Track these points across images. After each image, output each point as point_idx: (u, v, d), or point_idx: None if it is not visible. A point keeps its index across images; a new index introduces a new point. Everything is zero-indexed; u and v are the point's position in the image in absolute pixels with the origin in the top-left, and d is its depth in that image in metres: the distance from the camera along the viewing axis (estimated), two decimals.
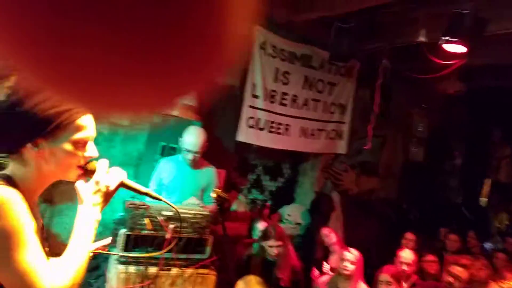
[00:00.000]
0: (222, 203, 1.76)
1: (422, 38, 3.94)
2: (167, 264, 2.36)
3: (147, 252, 2.33)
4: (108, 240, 1.40)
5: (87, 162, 1.13)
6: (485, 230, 6.40)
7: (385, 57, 4.69)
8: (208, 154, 3.41)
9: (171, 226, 2.37)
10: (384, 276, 2.92)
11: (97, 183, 1.13)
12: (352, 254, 3.10)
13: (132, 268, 2.31)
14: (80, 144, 1.08)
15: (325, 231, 3.99)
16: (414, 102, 5.96)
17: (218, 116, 4.20)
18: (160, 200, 1.35)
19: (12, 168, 1.05)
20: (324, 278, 3.30)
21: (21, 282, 0.93)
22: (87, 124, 1.08)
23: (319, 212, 4.92)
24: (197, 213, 2.51)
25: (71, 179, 1.13)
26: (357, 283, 3.07)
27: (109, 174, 1.16)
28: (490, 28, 3.33)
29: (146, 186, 2.96)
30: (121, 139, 3.72)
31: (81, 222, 1.10)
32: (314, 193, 5.18)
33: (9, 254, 0.92)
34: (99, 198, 1.13)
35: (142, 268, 2.30)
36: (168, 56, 0.29)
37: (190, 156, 2.91)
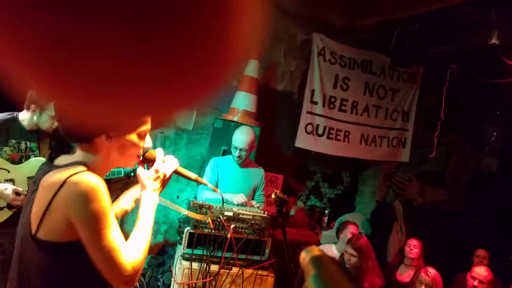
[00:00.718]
0: (281, 205, 1.80)
1: (495, 40, 3.70)
2: (228, 263, 2.45)
3: (209, 250, 2.44)
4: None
5: (144, 152, 1.27)
6: None
7: (452, 61, 4.46)
8: (266, 159, 3.48)
9: (232, 226, 2.46)
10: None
11: (156, 171, 1.27)
12: (428, 277, 2.97)
13: (195, 265, 2.43)
14: (142, 136, 1.22)
15: (414, 242, 3.72)
16: (486, 109, 5.57)
17: (277, 122, 4.28)
18: (207, 185, 1.48)
19: (81, 155, 1.19)
20: None
21: (107, 257, 1.07)
22: (148, 119, 1.21)
23: (380, 222, 4.77)
24: (256, 215, 2.58)
25: (130, 167, 1.29)
26: None
27: (165, 163, 1.30)
28: None
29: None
30: (185, 143, 3.93)
31: (145, 205, 1.24)
32: (375, 202, 5.03)
33: (102, 232, 1.06)
34: (158, 184, 1.27)
35: (204, 265, 2.42)
36: (190, 58, 0.30)
37: (236, 153, 2.99)
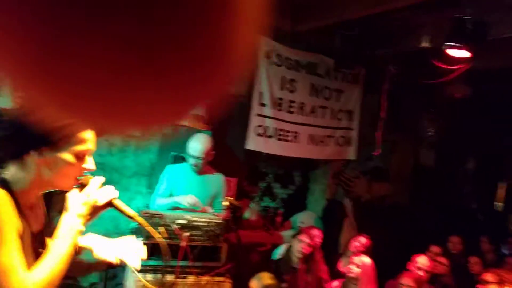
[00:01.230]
0: (235, 211, 1.81)
1: (425, 44, 3.98)
2: (183, 272, 2.41)
3: (164, 260, 2.38)
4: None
5: (84, 175, 1.19)
6: (501, 235, 6.32)
7: (391, 63, 4.73)
8: (219, 163, 3.47)
9: (186, 234, 2.43)
10: (406, 280, 2.94)
11: (87, 196, 1.18)
12: (359, 258, 3.13)
13: (149, 276, 2.36)
14: (80, 156, 1.14)
15: (363, 239, 3.82)
16: (422, 107, 5.97)
17: (228, 126, 4.28)
18: (145, 226, 1.37)
19: (11, 171, 1.11)
20: (335, 284, 3.32)
21: None
22: (88, 138, 1.14)
23: (331, 219, 4.93)
24: (210, 221, 2.56)
25: (67, 189, 1.19)
26: None
27: (100, 191, 1.22)
28: (493, 32, 3.36)
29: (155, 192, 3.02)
30: (134, 149, 3.81)
31: (62, 230, 1.14)
32: (326, 200, 5.19)
33: None
34: (85, 210, 1.18)
35: (159, 276, 2.36)
36: (178, 69, 0.29)
37: (193, 161, 2.96)
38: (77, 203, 1.17)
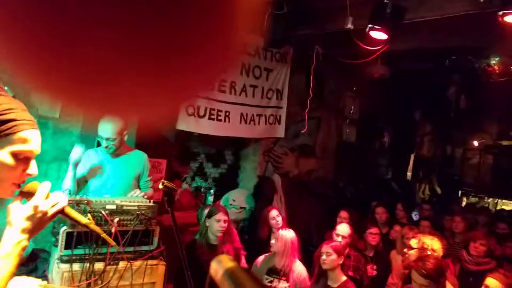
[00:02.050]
0: (170, 193, 1.76)
1: (349, 25, 4.16)
2: (114, 258, 2.32)
3: (92, 248, 2.26)
4: None
5: (26, 182, 1.04)
6: (411, 201, 7.04)
7: (317, 43, 4.88)
8: (148, 145, 3.35)
9: (116, 219, 2.32)
10: (325, 248, 3.13)
11: (34, 208, 1.03)
12: (280, 233, 3.28)
13: (76, 266, 2.23)
14: (20, 158, 0.99)
15: (273, 213, 4.03)
16: (345, 86, 6.30)
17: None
18: (100, 235, 1.25)
19: None
20: (261, 258, 3.44)
21: None
22: (31, 138, 0.99)
23: (262, 196, 5.07)
24: (142, 205, 2.48)
25: (5, 196, 1.02)
26: (293, 262, 3.23)
27: (48, 200, 1.06)
28: (409, 16, 3.62)
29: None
30: (52, 132, 3.51)
31: (6, 248, 0.99)
32: (257, 177, 5.31)
33: None
34: (31, 225, 1.02)
35: (87, 264, 2.24)
36: (176, 62, 0.31)
37: (105, 143, 2.81)
38: (21, 217, 1.01)
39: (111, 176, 2.90)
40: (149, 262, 2.45)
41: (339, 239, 3.59)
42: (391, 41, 3.84)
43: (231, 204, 4.67)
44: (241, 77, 4.71)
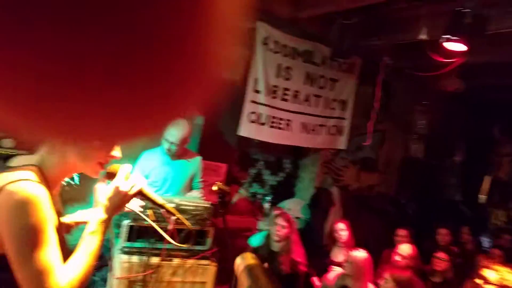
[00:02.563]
0: (223, 196, 1.81)
1: (423, 36, 3.96)
2: (169, 254, 2.42)
3: (150, 243, 2.39)
4: None
5: (110, 164, 1.14)
6: (482, 226, 6.46)
7: (387, 54, 4.71)
8: (210, 148, 3.47)
9: (173, 217, 2.43)
10: (387, 275, 2.94)
11: (116, 188, 1.13)
12: (353, 255, 3.11)
13: (135, 258, 2.37)
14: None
15: (339, 226, 3.87)
16: (415, 99, 5.99)
17: (221, 112, 4.25)
18: (175, 214, 1.35)
19: (39, 155, 1.09)
20: (332, 275, 3.33)
21: (34, 278, 0.96)
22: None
23: (318, 207, 4.98)
24: (198, 205, 2.57)
25: (91, 174, 1.13)
26: (367, 286, 3.06)
27: (128, 181, 1.16)
28: (491, 26, 3.35)
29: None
30: None
31: (93, 225, 1.11)
32: (314, 188, 5.23)
33: (31, 250, 0.95)
34: (114, 203, 1.13)
35: (144, 258, 2.37)
36: (168, 62, 0.28)
37: (166, 146, 2.95)
38: (105, 198, 1.13)
39: (169, 177, 3.05)
40: (201, 262, 2.52)
41: (398, 258, 3.40)
42: (468, 53, 3.59)
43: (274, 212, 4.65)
44: (305, 86, 4.69)
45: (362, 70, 5.09)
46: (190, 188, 3.10)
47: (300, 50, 4.58)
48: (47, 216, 0.98)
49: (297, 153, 5.24)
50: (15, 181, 0.97)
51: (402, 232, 4.06)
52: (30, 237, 0.96)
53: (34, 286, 0.96)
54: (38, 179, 1.03)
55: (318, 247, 4.10)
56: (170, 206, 1.29)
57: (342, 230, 3.86)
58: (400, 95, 5.67)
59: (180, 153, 3.05)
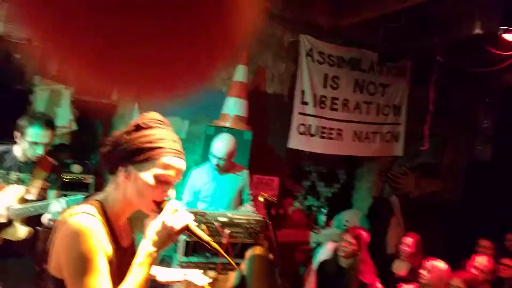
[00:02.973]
0: (269, 207, 1.83)
1: (478, 31, 3.74)
2: (224, 268, 2.47)
3: (205, 257, 2.46)
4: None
5: (163, 201, 1.19)
6: None
7: (439, 53, 4.50)
8: (261, 163, 3.51)
9: (227, 231, 2.48)
10: (455, 281, 2.76)
11: (162, 222, 1.17)
12: (431, 262, 2.92)
13: None
14: (161, 181, 1.14)
15: (407, 240, 3.59)
16: (476, 98, 5.61)
17: (269, 125, 4.30)
18: (219, 252, 1.31)
19: (107, 191, 1.20)
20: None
21: None
22: (173, 165, 1.15)
23: (378, 217, 4.79)
24: (251, 219, 2.60)
25: (146, 211, 1.21)
26: None
27: (175, 216, 1.19)
28: None
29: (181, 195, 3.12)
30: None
31: (140, 257, 1.16)
32: (372, 198, 5.05)
33: (81, 277, 1.05)
34: (161, 237, 1.17)
35: (201, 272, 2.43)
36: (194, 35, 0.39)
37: (214, 161, 3.01)
38: (153, 231, 1.17)
39: (218, 191, 3.12)
40: None
41: (475, 272, 3.15)
42: None
43: (344, 225, 4.53)
44: (354, 94, 4.61)
45: (414, 73, 4.89)
46: (239, 201, 3.15)
47: (346, 58, 4.53)
48: (97, 247, 1.07)
49: (351, 163, 5.11)
50: (76, 214, 1.10)
51: (485, 243, 3.76)
52: (81, 265, 1.05)
53: None
54: (98, 213, 1.13)
55: (379, 259, 3.92)
56: (214, 243, 1.28)
57: (408, 245, 3.62)
58: (459, 95, 5.34)
59: (227, 167, 3.12)
